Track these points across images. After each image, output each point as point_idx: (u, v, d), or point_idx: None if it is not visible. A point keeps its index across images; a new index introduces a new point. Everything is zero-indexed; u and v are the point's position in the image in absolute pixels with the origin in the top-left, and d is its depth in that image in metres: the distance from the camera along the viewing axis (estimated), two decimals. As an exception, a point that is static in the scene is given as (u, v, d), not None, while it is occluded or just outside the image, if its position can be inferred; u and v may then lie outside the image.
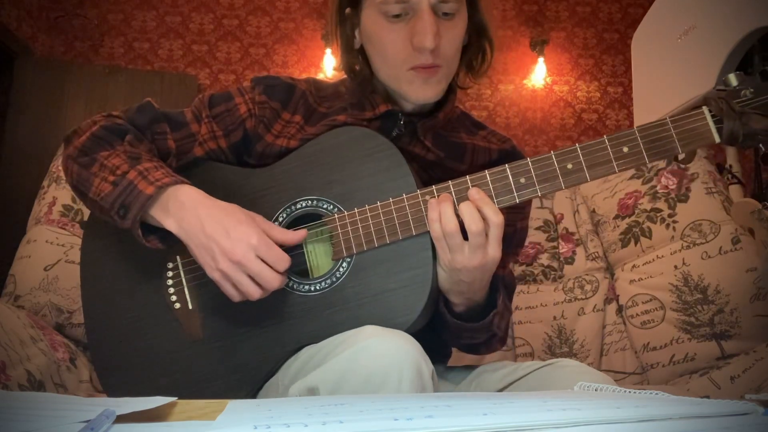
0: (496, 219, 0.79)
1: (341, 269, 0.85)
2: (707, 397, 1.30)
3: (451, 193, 0.83)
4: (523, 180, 0.81)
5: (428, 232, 0.82)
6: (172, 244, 0.85)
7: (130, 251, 0.93)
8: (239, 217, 0.81)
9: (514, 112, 4.25)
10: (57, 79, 3.65)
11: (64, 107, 3.60)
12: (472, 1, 0.91)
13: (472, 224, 0.79)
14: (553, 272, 1.69)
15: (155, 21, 4.19)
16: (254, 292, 0.80)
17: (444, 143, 0.97)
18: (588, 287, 1.67)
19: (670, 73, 2.21)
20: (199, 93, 3.64)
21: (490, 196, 0.82)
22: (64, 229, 1.55)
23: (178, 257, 0.92)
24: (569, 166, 0.81)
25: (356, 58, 0.94)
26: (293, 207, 0.90)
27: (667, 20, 2.25)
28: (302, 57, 4.25)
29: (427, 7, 0.84)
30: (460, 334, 0.91)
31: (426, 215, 0.83)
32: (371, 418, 0.42)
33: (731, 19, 1.91)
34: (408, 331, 0.79)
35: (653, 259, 1.57)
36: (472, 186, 0.82)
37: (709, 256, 1.47)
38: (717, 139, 0.77)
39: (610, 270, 1.70)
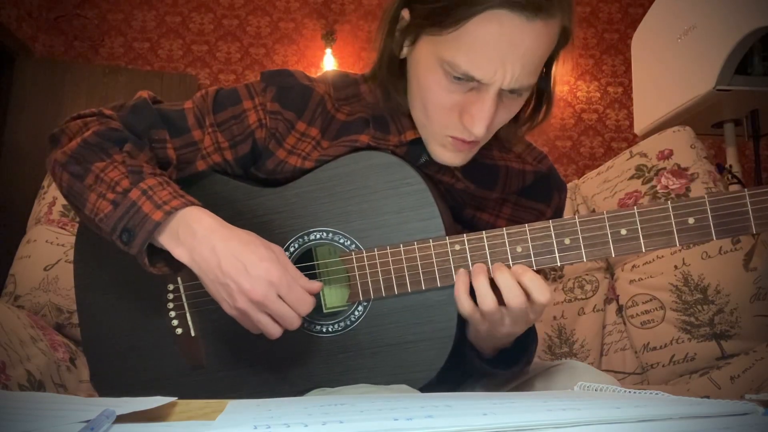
0: (543, 299, 0.71)
1: (356, 312, 0.80)
2: (707, 397, 1.30)
3: (484, 244, 0.75)
4: (567, 241, 0.73)
5: (454, 285, 0.76)
6: (180, 267, 0.77)
7: (127, 264, 0.84)
8: (260, 252, 0.72)
9: (514, 112, 4.25)
10: (57, 79, 3.65)
11: (64, 107, 3.60)
12: (548, 67, 0.78)
13: (513, 300, 0.71)
14: (552, 272, 1.69)
15: (155, 21, 4.19)
16: (275, 332, 0.74)
17: (475, 171, 0.88)
18: (588, 287, 1.67)
19: (670, 73, 2.21)
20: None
21: (527, 254, 0.74)
22: (64, 229, 1.55)
23: (179, 279, 0.86)
24: (623, 231, 0.71)
25: (392, 75, 0.81)
26: (306, 237, 0.82)
27: (667, 20, 2.25)
28: (302, 57, 4.24)
29: (495, 93, 0.72)
30: (483, 374, 0.86)
31: (452, 268, 0.76)
32: (371, 418, 0.42)
33: (731, 19, 1.91)
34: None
35: (653, 259, 1.56)
36: (512, 249, 0.74)
37: (709, 256, 1.47)
38: None
39: (610, 270, 1.70)
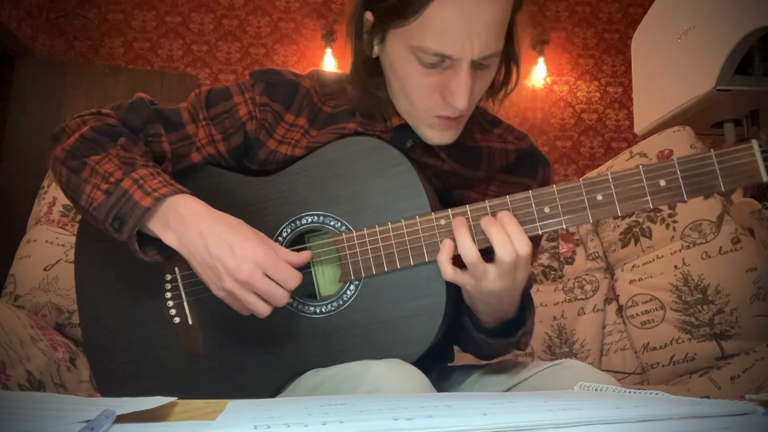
0: (524, 252, 0.74)
1: (348, 292, 0.82)
2: (707, 397, 1.30)
3: (468, 218, 0.78)
4: (547, 209, 0.76)
5: None
6: (172, 255, 0.79)
7: (126, 257, 0.86)
8: (245, 233, 0.76)
9: (514, 112, 4.25)
10: (57, 79, 3.65)
11: (64, 107, 3.60)
12: (510, 34, 0.82)
13: (504, 254, 0.74)
14: (553, 272, 1.69)
15: (155, 21, 4.19)
16: (263, 311, 0.76)
17: (459, 152, 0.91)
18: (588, 287, 1.67)
19: (670, 73, 2.21)
20: (199, 93, 3.63)
21: None
22: (64, 229, 1.55)
23: (176, 268, 0.88)
24: (599, 197, 0.74)
25: (370, 75, 0.86)
26: (298, 222, 0.85)
27: (667, 20, 2.25)
28: (302, 57, 4.25)
29: (468, 66, 0.76)
30: (481, 346, 0.88)
31: (439, 242, 0.78)
32: (371, 418, 0.42)
33: (731, 19, 1.91)
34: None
35: (653, 259, 1.56)
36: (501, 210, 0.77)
37: (709, 256, 1.47)
38: (765, 178, 0.70)
39: (610, 270, 1.70)
